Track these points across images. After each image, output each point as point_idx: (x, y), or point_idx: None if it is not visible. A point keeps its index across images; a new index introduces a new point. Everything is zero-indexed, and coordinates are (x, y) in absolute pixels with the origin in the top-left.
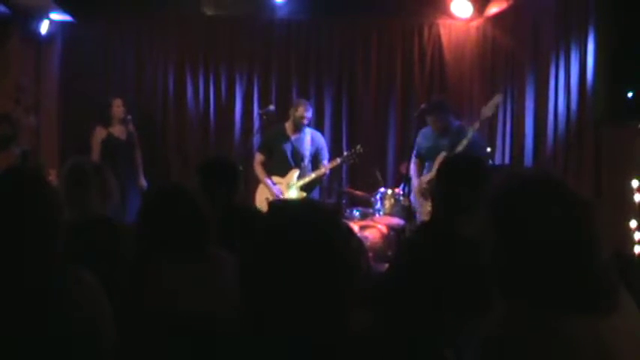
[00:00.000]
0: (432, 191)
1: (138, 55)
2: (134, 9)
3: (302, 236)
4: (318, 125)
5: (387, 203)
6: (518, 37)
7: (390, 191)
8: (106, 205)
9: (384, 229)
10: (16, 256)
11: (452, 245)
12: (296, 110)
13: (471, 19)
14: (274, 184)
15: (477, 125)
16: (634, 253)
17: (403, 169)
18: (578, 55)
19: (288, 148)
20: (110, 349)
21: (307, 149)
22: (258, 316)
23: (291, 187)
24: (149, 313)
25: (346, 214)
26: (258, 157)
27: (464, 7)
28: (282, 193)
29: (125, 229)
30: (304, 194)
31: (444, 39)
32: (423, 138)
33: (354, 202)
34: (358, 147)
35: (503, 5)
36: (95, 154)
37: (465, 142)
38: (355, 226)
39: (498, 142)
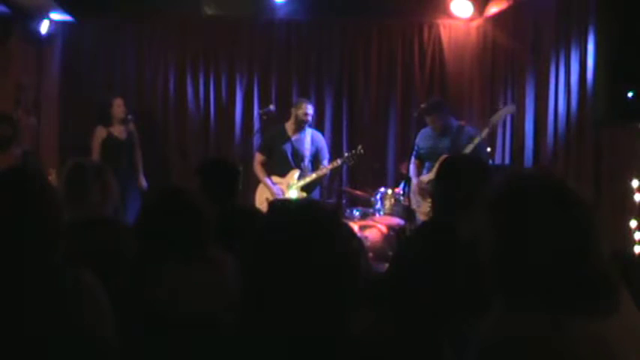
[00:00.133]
0: (431, 191)
1: (138, 55)
2: (134, 9)
3: (302, 235)
4: (318, 125)
5: (387, 203)
6: (518, 37)
7: (390, 191)
8: (106, 205)
9: (384, 229)
10: (16, 256)
11: (452, 245)
12: (298, 109)
13: (471, 19)
14: (274, 184)
15: (485, 132)
16: (634, 253)
17: (403, 169)
18: (578, 55)
19: (288, 148)
20: (110, 350)
21: (307, 149)
22: (258, 315)
23: (291, 187)
24: (149, 313)
25: (346, 214)
26: (258, 157)
27: (464, 7)
28: (282, 193)
29: (125, 229)
30: (304, 194)
31: (444, 39)
32: (423, 138)
33: (354, 202)
34: (359, 148)
35: (504, 5)
36: (95, 154)
37: (470, 147)
38: (355, 226)
39: (498, 142)
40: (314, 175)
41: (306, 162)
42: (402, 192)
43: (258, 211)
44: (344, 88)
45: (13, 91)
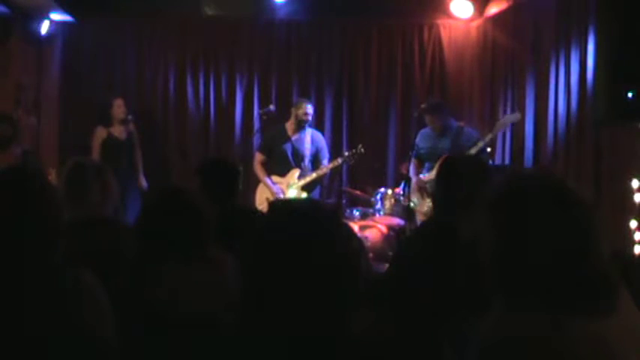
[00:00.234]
0: (432, 191)
1: (138, 56)
2: (135, 9)
3: (302, 235)
4: (318, 125)
5: (387, 203)
6: (518, 37)
7: (390, 191)
8: (106, 205)
9: (384, 229)
10: (16, 256)
11: (452, 245)
12: (298, 109)
13: (471, 20)
14: (274, 183)
15: (489, 137)
16: (634, 253)
17: (403, 169)
18: (578, 55)
19: (288, 148)
20: (110, 350)
21: (307, 149)
22: (258, 315)
23: (291, 187)
24: (149, 313)
25: (346, 214)
26: (259, 157)
27: (464, 7)
28: (282, 192)
29: (125, 229)
30: (305, 194)
31: (444, 39)
32: (422, 139)
33: (354, 202)
34: (359, 147)
35: (504, 5)
36: (95, 154)
37: (473, 150)
38: (355, 226)
39: (498, 143)
40: (314, 175)
41: (306, 162)
42: (402, 192)
43: (258, 211)
44: (344, 88)
45: (13, 91)
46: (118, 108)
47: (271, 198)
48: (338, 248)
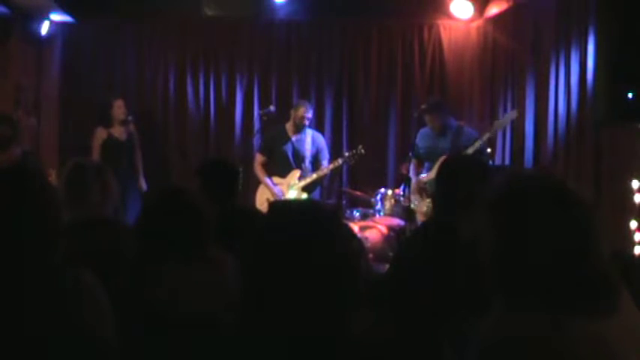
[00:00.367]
0: (430, 191)
1: (138, 56)
2: (135, 9)
3: (302, 236)
4: (318, 126)
5: (388, 204)
6: (518, 38)
7: (390, 192)
8: (106, 206)
9: (385, 230)
10: (16, 256)
11: (452, 245)
12: (297, 111)
13: (471, 20)
14: (275, 184)
15: (486, 136)
16: (634, 253)
17: (403, 170)
18: (578, 56)
19: (288, 148)
20: (110, 350)
21: (308, 150)
22: (258, 315)
23: (292, 188)
24: (149, 313)
25: (346, 215)
26: (259, 158)
27: (464, 7)
28: (282, 193)
29: (125, 229)
30: (305, 195)
31: (444, 40)
32: (422, 138)
33: (354, 203)
34: (360, 148)
35: (504, 6)
36: (95, 154)
37: (470, 150)
38: (355, 227)
39: (498, 143)
40: (314, 176)
41: (307, 163)
42: (402, 193)
43: (258, 212)
44: (344, 88)
45: (13, 92)
46: (119, 109)
47: (272, 199)
48: (338, 248)
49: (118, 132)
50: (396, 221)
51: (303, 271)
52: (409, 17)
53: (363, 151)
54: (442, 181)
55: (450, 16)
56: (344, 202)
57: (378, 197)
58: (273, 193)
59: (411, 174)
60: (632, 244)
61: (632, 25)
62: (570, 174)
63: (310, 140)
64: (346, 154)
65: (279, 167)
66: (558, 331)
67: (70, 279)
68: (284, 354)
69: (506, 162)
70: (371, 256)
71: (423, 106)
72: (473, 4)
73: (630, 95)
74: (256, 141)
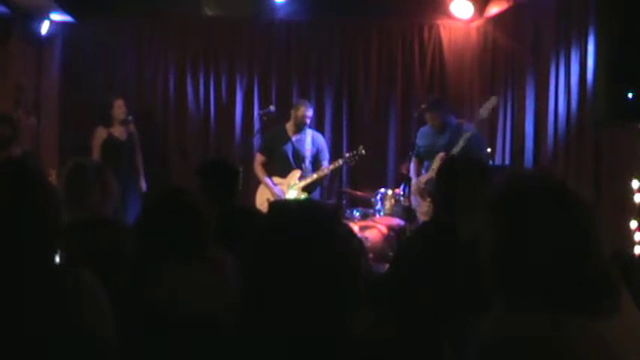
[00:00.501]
0: (430, 191)
1: (138, 56)
2: (135, 9)
3: (302, 236)
4: (318, 126)
5: (388, 204)
6: (518, 38)
7: (390, 191)
8: (106, 206)
9: (385, 230)
10: (15, 256)
11: (452, 245)
12: (297, 110)
13: (471, 20)
14: (275, 184)
15: (474, 127)
16: (634, 253)
17: (404, 170)
18: (578, 56)
19: (288, 148)
20: (110, 350)
21: (308, 150)
22: (258, 315)
23: (292, 188)
24: (149, 313)
25: (346, 215)
26: (259, 158)
27: (464, 7)
28: (283, 193)
29: (125, 229)
30: (305, 195)
31: (444, 40)
32: (421, 137)
33: (355, 203)
34: (360, 148)
35: (504, 6)
36: (96, 154)
37: (461, 142)
38: (355, 227)
39: (498, 142)
40: (315, 176)
41: (307, 163)
42: (402, 192)
43: (258, 212)
44: (344, 88)
45: (13, 92)
46: (119, 109)
47: (272, 199)
48: (338, 248)
49: (119, 132)
50: (396, 221)
51: (303, 271)
52: (409, 17)
53: (363, 151)
54: (442, 181)
55: (450, 16)
56: (344, 202)
57: (378, 197)
58: (273, 193)
59: (412, 174)
60: (632, 244)
61: (632, 25)
62: (570, 174)
63: (310, 140)
64: (347, 154)
65: (280, 167)
66: (558, 331)
67: (70, 279)
68: (284, 354)
69: (507, 162)
70: (371, 256)
71: (423, 106)
72: (473, 4)
73: (630, 95)
74: (256, 141)
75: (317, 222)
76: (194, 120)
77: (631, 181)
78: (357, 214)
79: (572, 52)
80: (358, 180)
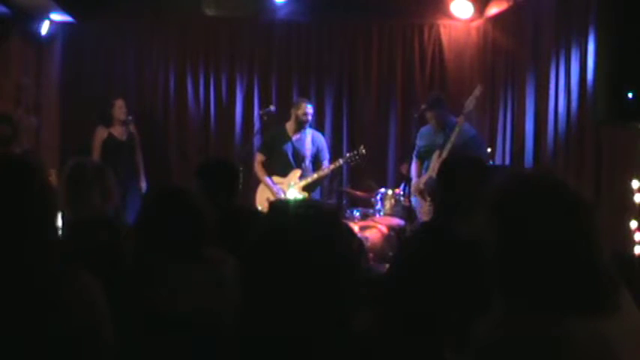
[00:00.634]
0: (429, 191)
1: (138, 56)
2: (135, 9)
3: (302, 235)
4: (318, 126)
5: (388, 203)
6: (518, 38)
7: (390, 191)
8: (106, 206)
9: (385, 230)
10: (15, 256)
11: (452, 245)
12: (298, 109)
13: (472, 20)
14: (275, 184)
15: (461, 119)
16: (634, 254)
17: (403, 170)
18: (578, 55)
19: (288, 148)
20: (109, 350)
21: (308, 149)
22: (258, 316)
23: (292, 187)
24: (149, 313)
25: (347, 215)
26: (259, 158)
27: (464, 7)
28: (283, 193)
29: (125, 229)
30: (305, 194)
31: (445, 40)
32: (421, 138)
33: (355, 203)
34: (361, 148)
35: (504, 6)
36: (96, 154)
37: (452, 138)
38: (355, 227)
39: (498, 142)
40: (315, 176)
41: (307, 162)
42: (402, 192)
43: (258, 211)
44: (344, 88)
45: (13, 92)
46: (120, 109)
47: (272, 198)
48: (338, 248)
49: (119, 132)
50: (396, 221)
51: (303, 271)
52: (409, 17)
53: (364, 151)
54: (442, 182)
55: (450, 16)
56: (344, 201)
57: (379, 197)
58: (273, 193)
59: (413, 175)
60: (632, 244)
61: (633, 24)
62: (570, 174)
63: (310, 140)
64: (347, 154)
65: (280, 167)
66: (558, 330)
67: (70, 279)
68: (284, 354)
69: (507, 162)
70: (371, 255)
71: (423, 106)
72: (473, 4)
73: (630, 95)
74: (256, 141)
75: (317, 222)
76: (194, 120)
77: (631, 181)
78: (357, 213)
79: (572, 52)
80: (358, 180)
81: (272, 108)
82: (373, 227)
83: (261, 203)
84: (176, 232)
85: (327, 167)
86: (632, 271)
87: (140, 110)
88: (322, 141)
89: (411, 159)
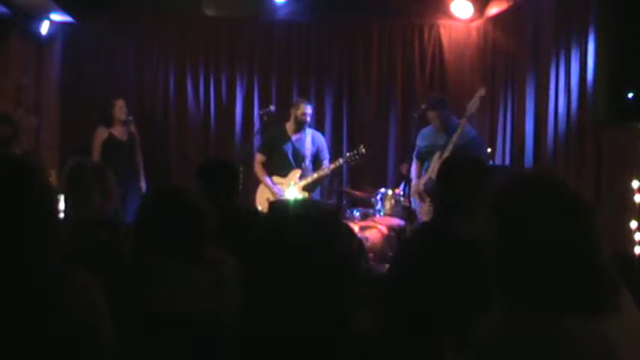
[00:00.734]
0: (428, 192)
1: (138, 56)
2: (135, 10)
3: (302, 235)
4: (318, 126)
5: (388, 204)
6: (518, 38)
7: (390, 192)
8: (106, 206)
9: (385, 230)
10: (14, 256)
11: (452, 245)
12: (297, 109)
13: (472, 20)
14: (275, 184)
15: (464, 121)
16: (634, 254)
17: (403, 170)
18: (578, 56)
19: (288, 148)
20: (108, 350)
21: (308, 149)
22: (258, 316)
23: (292, 188)
24: (149, 313)
25: (347, 215)
26: (259, 158)
27: (464, 7)
28: (283, 193)
29: (125, 229)
30: (305, 194)
31: (445, 40)
32: (421, 138)
33: (355, 203)
34: (361, 148)
35: (504, 6)
36: (96, 154)
37: (454, 139)
38: (356, 227)
39: (498, 142)
40: (315, 176)
41: (307, 162)
42: (402, 193)
43: (258, 212)
44: (344, 88)
45: (13, 91)
46: (120, 109)
47: (272, 198)
48: (338, 249)
49: (119, 132)
50: (396, 221)
51: (303, 271)
52: (409, 17)
53: (364, 150)
54: (441, 182)
55: (450, 16)
56: (344, 202)
57: (379, 197)
58: (273, 193)
59: (413, 175)
60: (632, 244)
61: (633, 24)
62: (570, 174)
63: (310, 140)
64: (347, 154)
65: (279, 167)
66: (558, 330)
67: (70, 279)
68: (284, 354)
69: (507, 162)
70: (371, 256)
71: (423, 106)
72: (473, 4)
73: (630, 95)
74: (256, 141)
75: (317, 222)
76: (194, 120)
77: (631, 181)
78: (357, 214)
79: (572, 52)
80: (358, 180)
81: (272, 108)
82: (373, 227)
83: (261, 203)
84: (176, 232)
85: (327, 167)
86: (632, 271)
87: (140, 110)
88: (322, 141)
89: (411, 159)
